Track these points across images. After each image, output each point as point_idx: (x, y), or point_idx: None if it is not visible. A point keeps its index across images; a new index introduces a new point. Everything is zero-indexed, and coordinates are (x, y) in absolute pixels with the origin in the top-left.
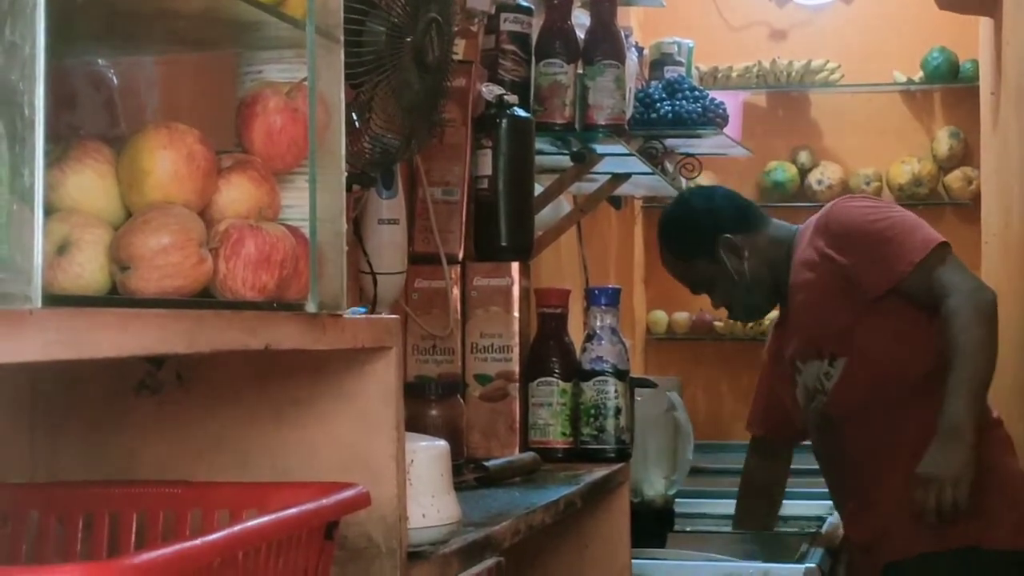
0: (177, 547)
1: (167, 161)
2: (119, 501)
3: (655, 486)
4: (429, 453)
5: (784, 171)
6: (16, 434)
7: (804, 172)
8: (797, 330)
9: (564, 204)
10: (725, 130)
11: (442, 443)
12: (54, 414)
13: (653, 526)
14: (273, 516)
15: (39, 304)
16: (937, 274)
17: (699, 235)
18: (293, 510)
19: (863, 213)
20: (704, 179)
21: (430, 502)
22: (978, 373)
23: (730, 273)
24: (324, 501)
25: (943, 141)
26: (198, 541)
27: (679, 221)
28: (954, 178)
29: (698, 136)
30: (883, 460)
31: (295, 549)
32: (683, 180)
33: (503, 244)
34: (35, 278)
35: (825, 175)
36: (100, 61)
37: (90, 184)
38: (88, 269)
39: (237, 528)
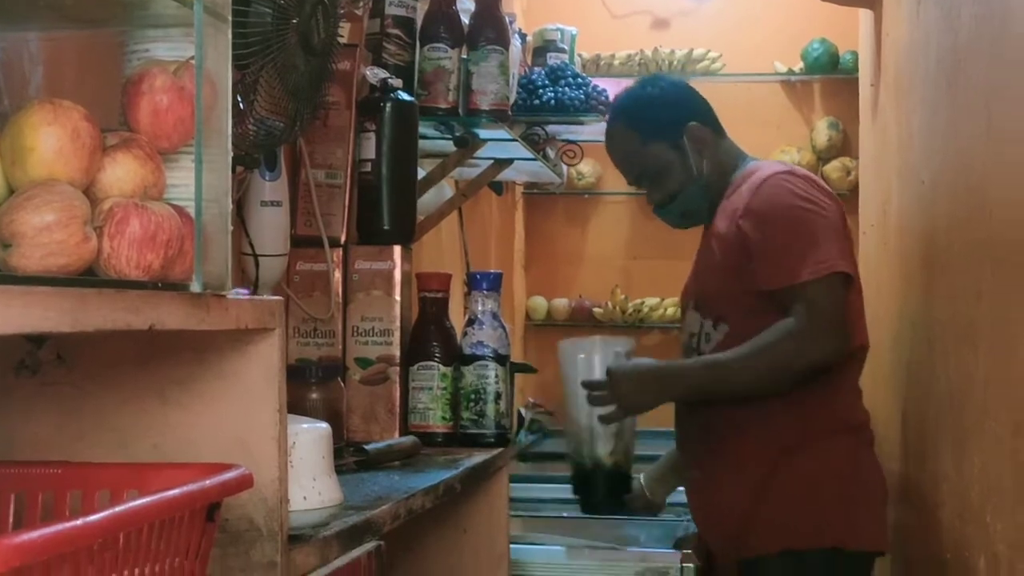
0: (58, 527)
1: (51, 138)
2: None
3: (605, 446)
4: (311, 435)
5: None
6: None
7: None
8: (698, 273)
9: (446, 189)
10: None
11: (324, 426)
12: None
13: (606, 489)
14: (155, 497)
15: None
16: (801, 304)
17: (670, 115)
18: (175, 491)
19: (791, 202)
20: (585, 166)
21: (311, 484)
22: (731, 379)
23: (688, 165)
24: (206, 482)
25: (822, 132)
26: (79, 521)
27: (649, 99)
28: (832, 168)
29: (580, 123)
30: (732, 442)
31: (177, 530)
32: (564, 167)
33: (385, 228)
34: None
35: None
36: None
37: None
38: None
39: (119, 508)
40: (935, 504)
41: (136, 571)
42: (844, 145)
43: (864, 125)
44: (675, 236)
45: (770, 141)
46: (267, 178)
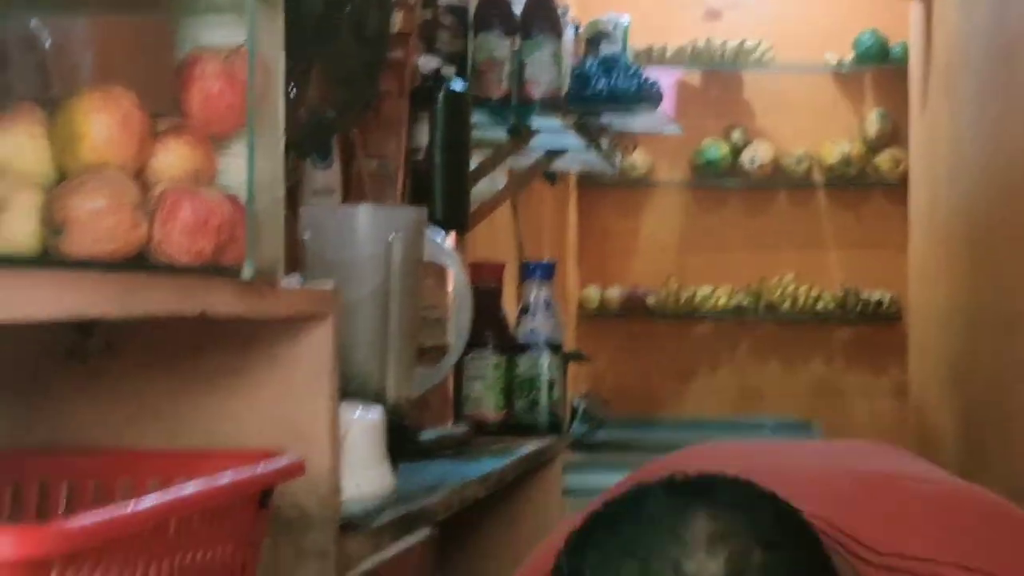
0: (110, 513)
1: (102, 124)
2: (48, 469)
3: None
4: (364, 423)
5: (717, 149)
6: None
7: (737, 150)
8: None
9: (499, 178)
10: (660, 107)
11: (377, 413)
12: None
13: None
14: (206, 483)
15: None
16: None
17: None
18: (226, 478)
19: None
20: (638, 156)
21: (364, 473)
22: None
23: None
24: (259, 469)
25: (872, 122)
26: (131, 507)
27: None
28: (883, 159)
29: (633, 113)
30: None
31: (228, 517)
32: (617, 157)
33: (438, 217)
34: None
35: (757, 154)
36: (33, 22)
37: (22, 146)
38: (20, 232)
39: (170, 495)
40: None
41: (188, 558)
42: (894, 136)
43: (914, 116)
44: (727, 227)
45: (821, 132)
46: (319, 167)
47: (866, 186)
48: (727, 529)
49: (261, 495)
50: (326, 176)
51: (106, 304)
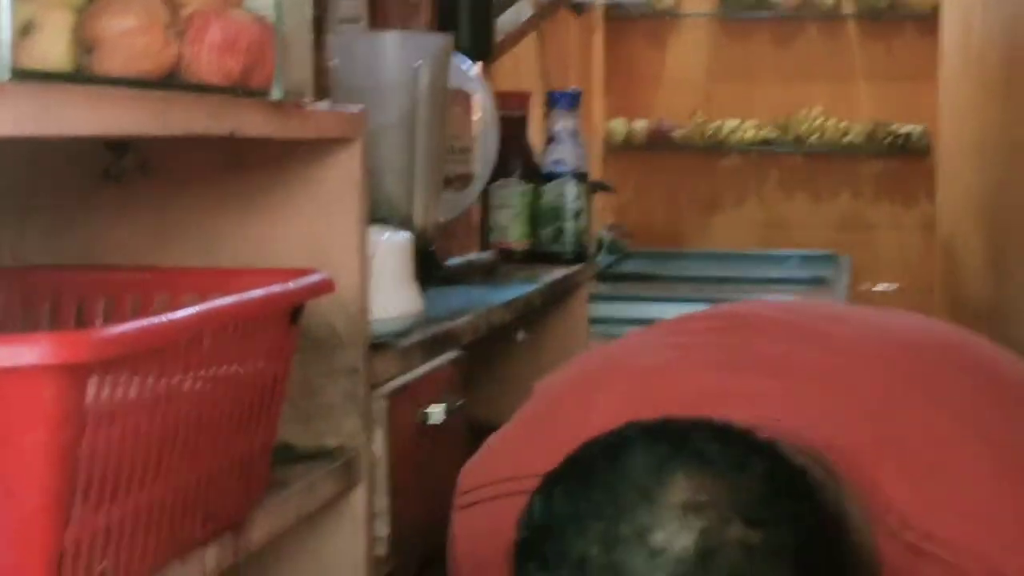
0: (148, 322)
1: None
2: (86, 285)
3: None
4: (392, 244)
5: None
6: None
7: None
8: None
9: (525, 8)
10: None
11: (405, 234)
12: (16, 201)
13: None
14: (239, 298)
15: (7, 77)
16: None
17: None
18: (259, 292)
19: None
20: None
21: (393, 294)
22: None
23: None
24: (290, 285)
25: None
26: (167, 317)
27: None
28: None
29: None
30: None
31: (261, 332)
32: None
33: (463, 45)
34: (3, 53)
35: None
36: None
37: None
38: (53, 51)
39: (205, 307)
40: (1012, 317)
41: (222, 370)
42: None
43: None
44: (755, 60)
45: None
46: None
47: (897, 17)
48: (707, 497)
49: (292, 311)
50: (352, 3)
51: (139, 121)
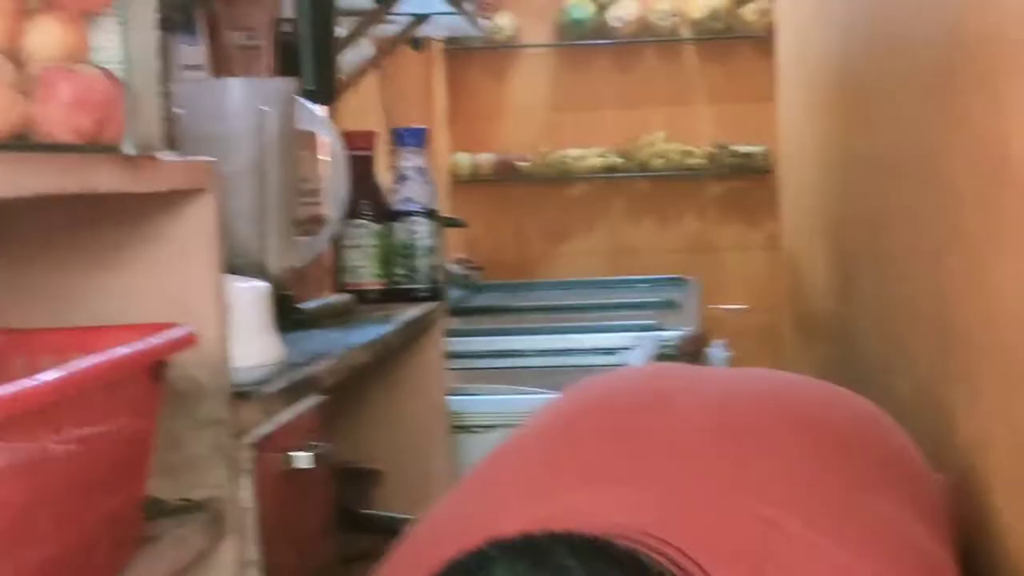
0: (15, 387)
1: None
2: None
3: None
4: (250, 294)
5: (582, 8)
6: None
7: (602, 8)
8: None
9: (365, 47)
10: None
11: (262, 284)
12: None
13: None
14: (102, 357)
15: None
16: None
17: None
18: (122, 350)
19: None
20: (503, 19)
21: (253, 342)
22: None
23: None
24: (153, 341)
25: None
26: (36, 381)
27: None
28: (749, 11)
29: None
30: None
31: (125, 390)
32: (482, 21)
33: (308, 88)
34: None
35: (623, 11)
36: None
37: None
38: None
39: (67, 370)
40: (857, 331)
41: (88, 431)
42: None
43: None
44: (596, 87)
45: None
46: (186, 43)
47: (733, 39)
48: None
49: (155, 368)
50: (194, 52)
51: None
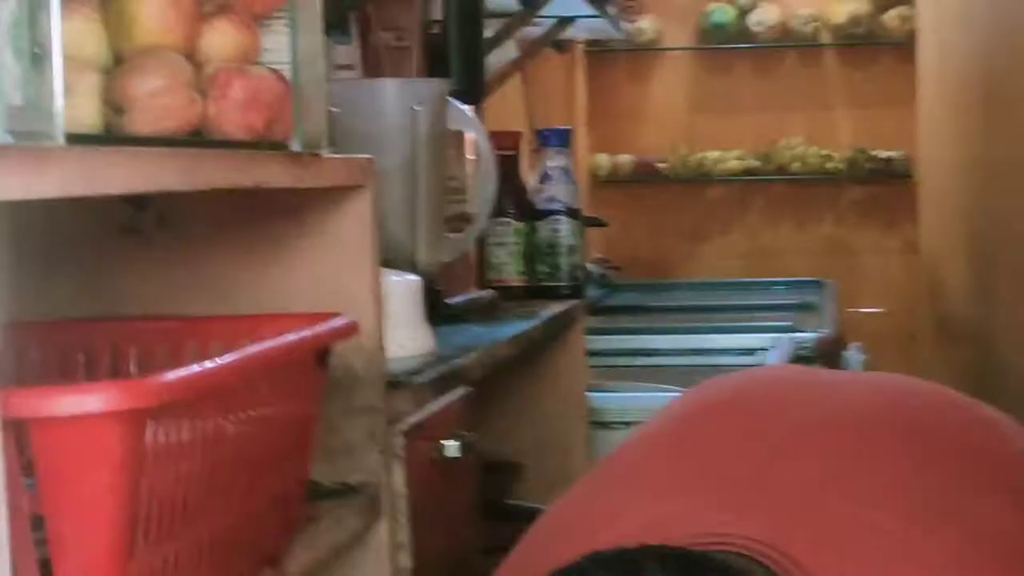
0: (197, 369)
1: (154, 7)
2: (117, 336)
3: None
4: (404, 286)
5: (724, 12)
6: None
7: (744, 13)
8: None
9: (510, 49)
10: None
11: (415, 278)
12: (39, 258)
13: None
14: (275, 342)
15: (62, 142)
16: None
17: None
18: (292, 336)
19: None
20: (645, 22)
21: (406, 334)
22: None
23: None
24: (319, 328)
25: None
26: (214, 364)
27: None
28: (890, 17)
29: None
30: None
31: (293, 374)
32: (625, 24)
33: (456, 88)
34: (57, 118)
35: (764, 16)
36: None
37: (80, 31)
38: (85, 113)
39: (246, 353)
40: (996, 336)
41: (260, 412)
42: None
43: None
44: (736, 90)
45: None
46: (339, 42)
47: (874, 45)
48: None
49: (320, 354)
50: (346, 52)
51: (171, 178)
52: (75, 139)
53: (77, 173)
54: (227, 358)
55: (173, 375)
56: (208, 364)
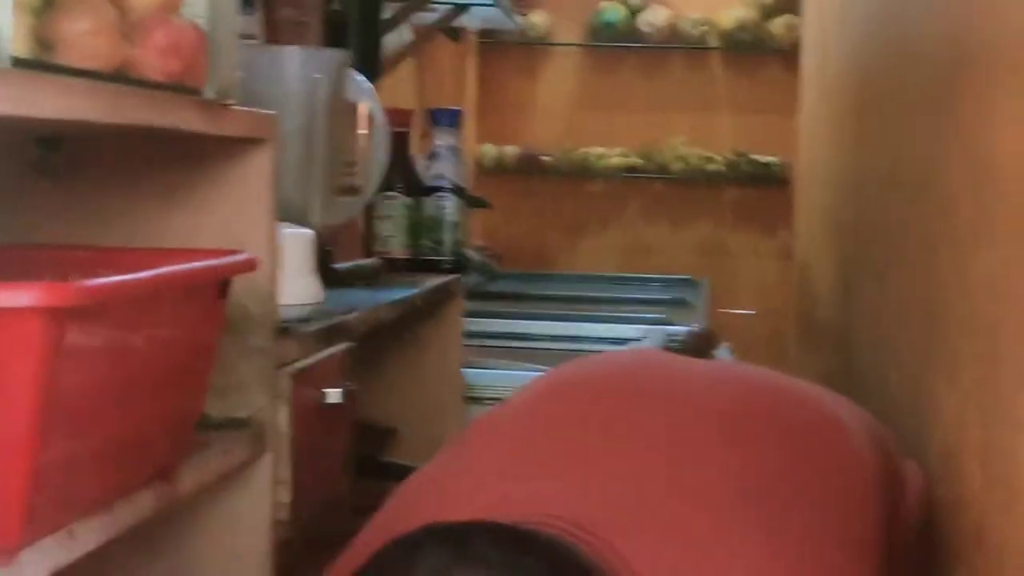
0: (115, 279)
1: None
2: (30, 262)
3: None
4: (298, 238)
5: (615, 12)
6: None
7: (634, 13)
8: None
9: (405, 32)
10: None
11: (308, 231)
12: None
13: None
14: (184, 266)
15: (8, 64)
16: None
17: None
18: (199, 263)
19: None
20: (537, 17)
21: (298, 282)
22: None
23: None
24: (222, 260)
25: None
26: (131, 276)
27: None
28: (777, 25)
29: None
30: None
31: (197, 301)
32: (518, 16)
33: (353, 65)
34: (4, 41)
35: (655, 17)
36: None
37: None
38: (17, 50)
39: (160, 271)
40: (856, 337)
41: (165, 332)
42: (789, 2)
43: None
44: (623, 89)
45: None
46: (243, 13)
47: (760, 52)
48: None
49: (222, 284)
50: (248, 22)
51: (98, 110)
52: (20, 63)
53: (16, 94)
54: (141, 274)
55: (93, 282)
56: (124, 277)
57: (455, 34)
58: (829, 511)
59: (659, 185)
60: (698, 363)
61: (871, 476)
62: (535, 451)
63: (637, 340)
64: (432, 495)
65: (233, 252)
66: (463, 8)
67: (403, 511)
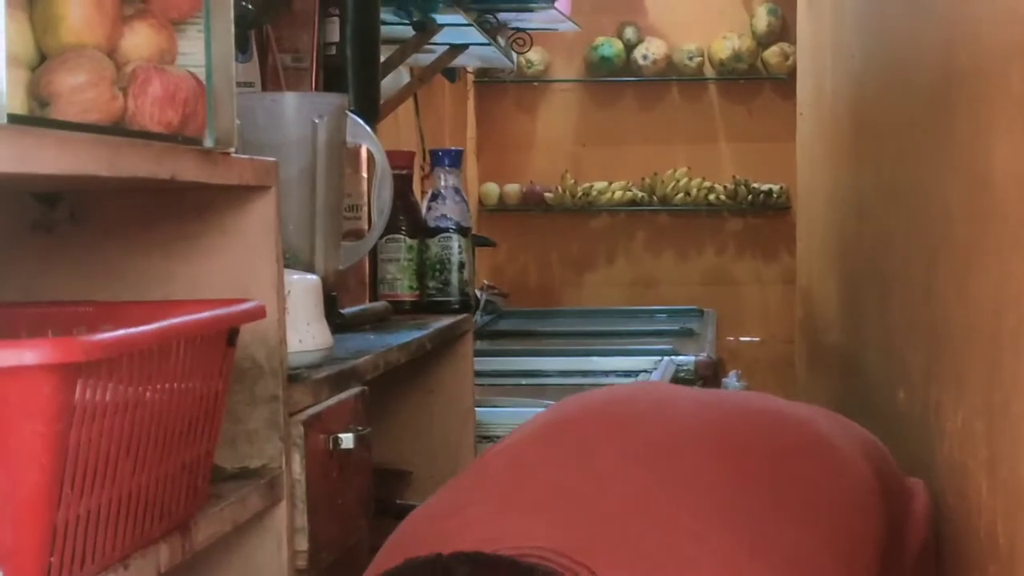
0: (123, 333)
1: (79, 8)
2: (33, 319)
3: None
4: (304, 284)
5: (611, 46)
6: None
7: (630, 47)
8: None
9: (403, 74)
10: (555, 5)
11: (314, 277)
12: None
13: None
14: (192, 316)
15: (4, 121)
16: None
17: None
18: (206, 313)
19: None
20: (535, 54)
21: (306, 329)
22: None
23: None
24: (230, 308)
25: (762, 17)
26: (136, 330)
27: None
28: (771, 53)
29: (530, 10)
30: None
31: (205, 351)
32: (515, 55)
33: (352, 109)
34: (1, 97)
35: (650, 50)
36: None
37: (8, 29)
38: (13, 105)
39: (169, 322)
40: (863, 357)
41: (175, 384)
42: (783, 31)
43: (801, 10)
44: (622, 123)
45: (712, 27)
46: (240, 60)
47: (756, 80)
48: None
49: (229, 333)
50: (246, 69)
51: (94, 164)
52: (16, 119)
53: (14, 152)
54: (149, 327)
55: (100, 336)
56: (132, 330)
57: (453, 74)
58: (820, 527)
59: (662, 217)
60: (691, 391)
61: (864, 492)
62: (523, 487)
63: (648, 372)
64: (424, 534)
65: (240, 301)
66: (460, 48)
67: (397, 550)
